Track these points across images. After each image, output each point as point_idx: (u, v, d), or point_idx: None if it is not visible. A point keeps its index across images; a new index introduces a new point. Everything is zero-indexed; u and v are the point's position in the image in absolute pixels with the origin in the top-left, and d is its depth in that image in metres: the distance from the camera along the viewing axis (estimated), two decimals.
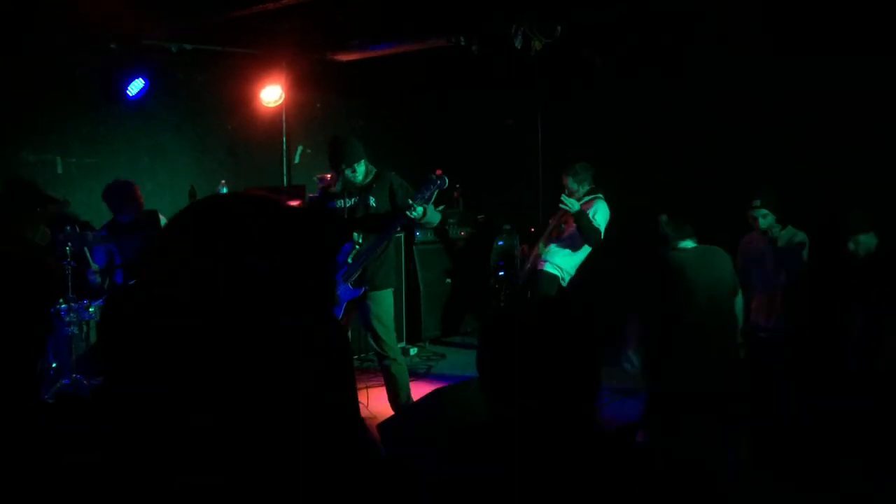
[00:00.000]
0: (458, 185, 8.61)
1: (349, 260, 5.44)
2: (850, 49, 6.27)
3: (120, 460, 1.04)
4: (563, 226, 6.67)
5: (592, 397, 1.79)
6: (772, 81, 6.96)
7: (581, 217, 6.29)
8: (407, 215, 5.23)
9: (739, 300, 5.06)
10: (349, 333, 5.54)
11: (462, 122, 9.10)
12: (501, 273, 8.34)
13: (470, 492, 1.77)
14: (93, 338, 5.72)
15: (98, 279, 6.07)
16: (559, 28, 6.23)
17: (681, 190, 6.91)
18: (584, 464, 1.72)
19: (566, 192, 6.49)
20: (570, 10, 6.20)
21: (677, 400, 4.50)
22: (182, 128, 7.71)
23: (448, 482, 1.81)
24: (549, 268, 6.57)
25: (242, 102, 7.86)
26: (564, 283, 6.61)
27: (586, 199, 6.52)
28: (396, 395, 5.51)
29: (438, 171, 5.48)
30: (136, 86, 6.90)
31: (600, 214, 6.48)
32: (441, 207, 8.11)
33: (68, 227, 5.60)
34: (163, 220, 6.25)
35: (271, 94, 7.78)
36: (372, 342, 5.49)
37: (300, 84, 7.99)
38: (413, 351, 7.63)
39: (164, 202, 6.88)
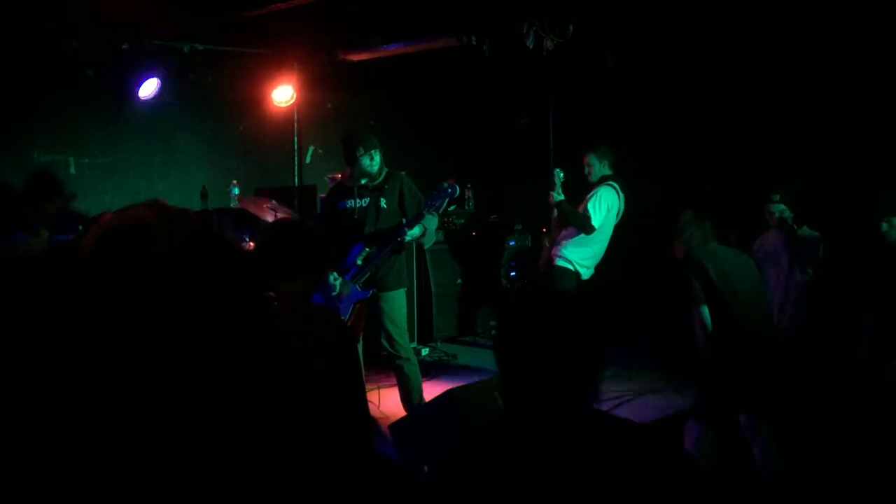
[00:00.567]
0: (468, 185, 8.59)
1: (359, 262, 5.44)
2: (852, 51, 6.25)
3: None
4: None
5: (587, 389, 1.82)
6: (787, 81, 6.91)
7: (560, 205, 6.53)
8: (399, 239, 5.34)
9: None
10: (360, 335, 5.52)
11: (473, 121, 9.09)
12: (513, 273, 8.31)
13: (477, 491, 1.78)
14: None
15: None
16: (571, 27, 6.20)
17: (695, 189, 6.86)
18: (582, 453, 1.75)
19: (586, 169, 6.66)
20: (583, 7, 6.17)
21: (737, 394, 4.58)
22: (194, 128, 7.72)
23: (456, 482, 1.83)
24: (560, 262, 6.58)
25: (254, 102, 7.85)
26: (585, 277, 6.60)
27: (597, 188, 6.58)
28: (409, 396, 5.51)
29: (451, 180, 5.49)
30: (148, 86, 6.91)
31: (601, 200, 6.49)
32: (453, 207, 8.13)
33: (80, 227, 5.59)
34: None
35: (283, 94, 7.76)
36: (385, 342, 5.49)
37: (312, 84, 7.98)
38: (424, 351, 7.61)
39: (175, 202, 6.75)
